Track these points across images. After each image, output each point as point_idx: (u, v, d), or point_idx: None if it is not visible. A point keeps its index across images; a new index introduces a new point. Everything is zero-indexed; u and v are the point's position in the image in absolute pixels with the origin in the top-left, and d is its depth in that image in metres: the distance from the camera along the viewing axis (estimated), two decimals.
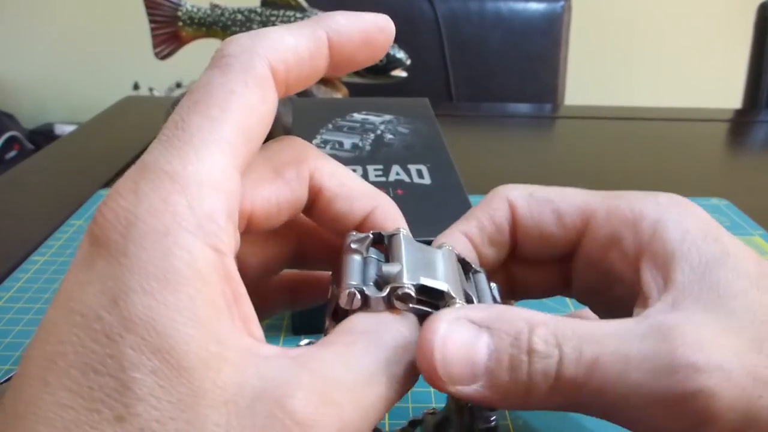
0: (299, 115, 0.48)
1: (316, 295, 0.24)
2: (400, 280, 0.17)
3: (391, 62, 0.61)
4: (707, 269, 0.17)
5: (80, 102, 1.79)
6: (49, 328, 0.13)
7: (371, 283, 0.18)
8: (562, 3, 1.01)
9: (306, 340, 0.31)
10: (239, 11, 0.62)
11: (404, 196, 0.35)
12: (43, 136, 1.75)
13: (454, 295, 0.17)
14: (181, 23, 0.62)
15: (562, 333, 0.16)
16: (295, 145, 0.20)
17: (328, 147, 0.42)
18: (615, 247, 0.20)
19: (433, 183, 0.37)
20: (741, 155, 0.71)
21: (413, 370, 0.16)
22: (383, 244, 0.20)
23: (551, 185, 0.23)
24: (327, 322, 0.18)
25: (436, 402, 0.29)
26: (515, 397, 0.16)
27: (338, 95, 0.65)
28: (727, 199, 0.52)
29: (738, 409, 0.15)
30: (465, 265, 0.21)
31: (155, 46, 0.64)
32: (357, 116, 0.47)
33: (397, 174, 0.37)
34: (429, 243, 0.21)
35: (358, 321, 0.17)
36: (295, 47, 0.17)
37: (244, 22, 0.62)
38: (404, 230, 0.20)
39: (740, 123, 0.80)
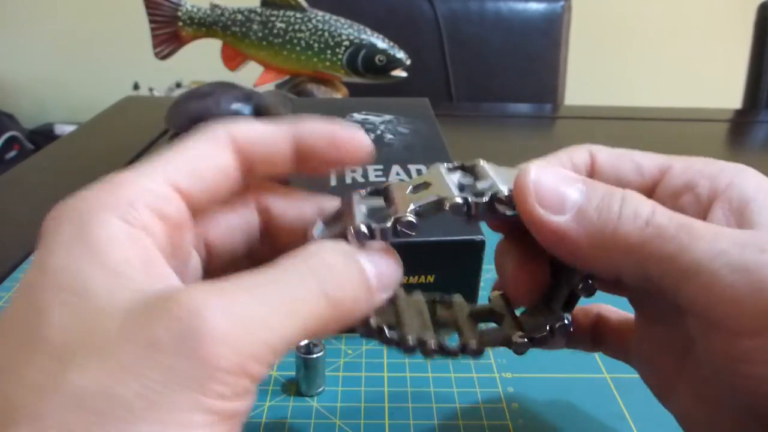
0: (299, 116, 0.48)
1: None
2: (495, 188, 0.19)
3: (391, 62, 0.61)
4: None
5: (80, 102, 1.79)
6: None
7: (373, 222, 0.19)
8: (562, 3, 1.01)
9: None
10: (239, 11, 0.62)
11: None
12: (43, 136, 1.75)
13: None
14: (181, 23, 0.62)
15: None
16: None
17: None
18: (689, 192, 0.20)
19: None
20: (741, 155, 0.71)
21: (334, 308, 0.17)
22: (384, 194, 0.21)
23: None
24: None
25: (437, 402, 0.29)
26: (601, 235, 0.17)
27: (338, 95, 0.65)
28: None
29: None
30: None
31: (155, 46, 0.64)
32: (357, 116, 0.47)
33: (397, 174, 0.37)
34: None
35: (296, 251, 0.18)
36: (258, 128, 0.20)
37: (244, 22, 0.62)
38: (482, 161, 0.21)
39: (740, 123, 0.80)
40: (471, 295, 0.32)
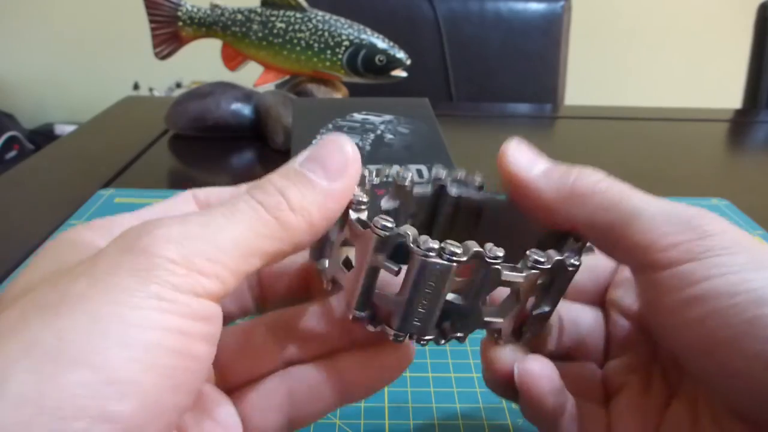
0: (299, 116, 0.48)
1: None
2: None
3: (391, 62, 0.61)
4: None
5: (80, 102, 1.79)
6: None
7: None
8: (562, 3, 1.01)
9: None
10: (239, 11, 0.62)
11: None
12: (43, 136, 1.75)
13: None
14: (181, 23, 0.62)
15: None
16: None
17: None
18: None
19: None
20: (741, 155, 0.71)
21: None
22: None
23: None
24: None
25: (437, 402, 0.29)
26: (563, 187, 0.20)
27: (338, 95, 0.65)
28: (727, 199, 0.52)
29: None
30: None
31: (155, 46, 0.64)
32: (357, 116, 0.47)
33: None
34: None
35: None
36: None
37: (244, 22, 0.62)
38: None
39: (740, 123, 0.80)
40: None
